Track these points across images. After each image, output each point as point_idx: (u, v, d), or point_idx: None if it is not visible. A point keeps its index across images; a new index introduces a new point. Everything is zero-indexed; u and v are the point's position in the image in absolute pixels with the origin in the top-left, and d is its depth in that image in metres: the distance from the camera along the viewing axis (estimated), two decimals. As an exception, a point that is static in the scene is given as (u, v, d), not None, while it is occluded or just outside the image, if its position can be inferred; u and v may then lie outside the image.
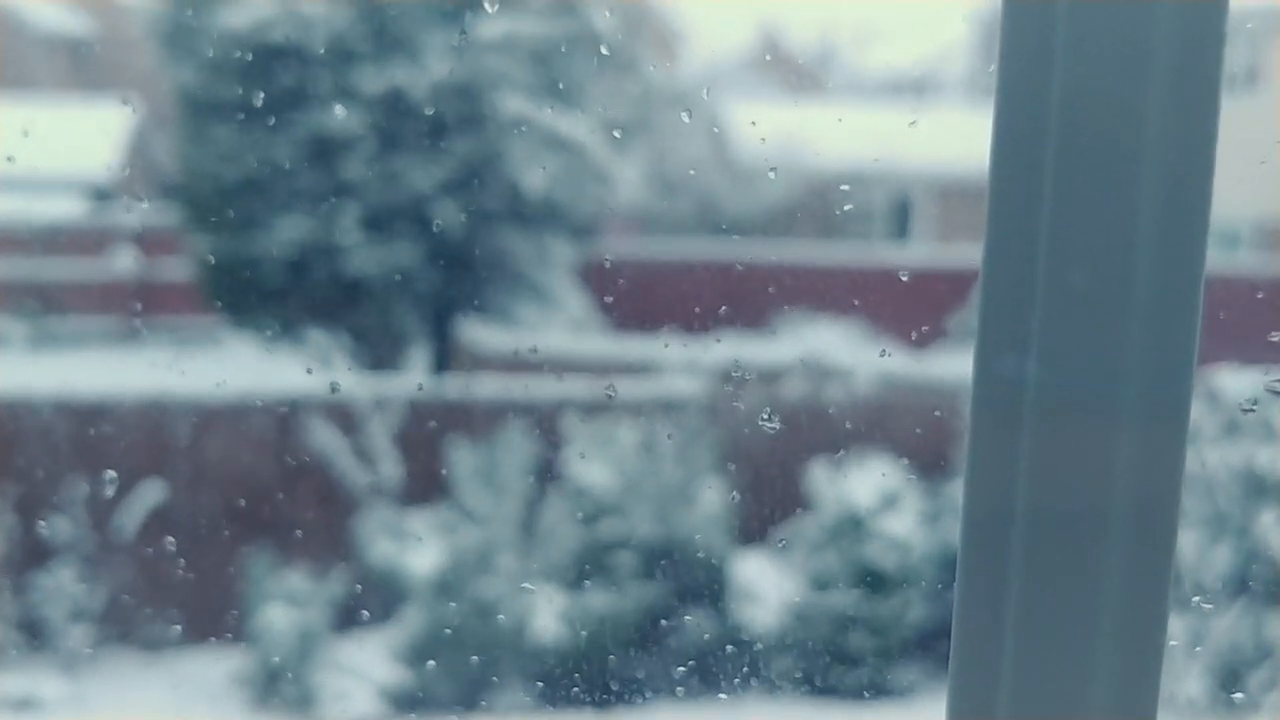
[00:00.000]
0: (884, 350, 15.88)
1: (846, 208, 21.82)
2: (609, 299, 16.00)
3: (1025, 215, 0.82)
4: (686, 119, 22.17)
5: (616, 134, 13.90)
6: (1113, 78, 0.79)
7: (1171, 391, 0.82)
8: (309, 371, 12.63)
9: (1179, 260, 0.81)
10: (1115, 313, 0.81)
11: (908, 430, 9.83)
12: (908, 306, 17.86)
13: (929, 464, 9.43)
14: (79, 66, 38.31)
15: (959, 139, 23.24)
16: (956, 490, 9.07)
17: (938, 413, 9.75)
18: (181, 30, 12.36)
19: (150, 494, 8.71)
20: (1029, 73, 0.82)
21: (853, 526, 8.47)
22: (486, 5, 12.22)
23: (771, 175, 21.37)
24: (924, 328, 16.72)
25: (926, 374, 11.20)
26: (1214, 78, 0.79)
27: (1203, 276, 0.82)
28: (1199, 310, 0.82)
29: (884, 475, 8.70)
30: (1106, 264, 0.81)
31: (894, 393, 9.99)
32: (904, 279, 17.06)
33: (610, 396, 9.28)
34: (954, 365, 13.04)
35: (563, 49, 12.37)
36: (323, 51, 11.58)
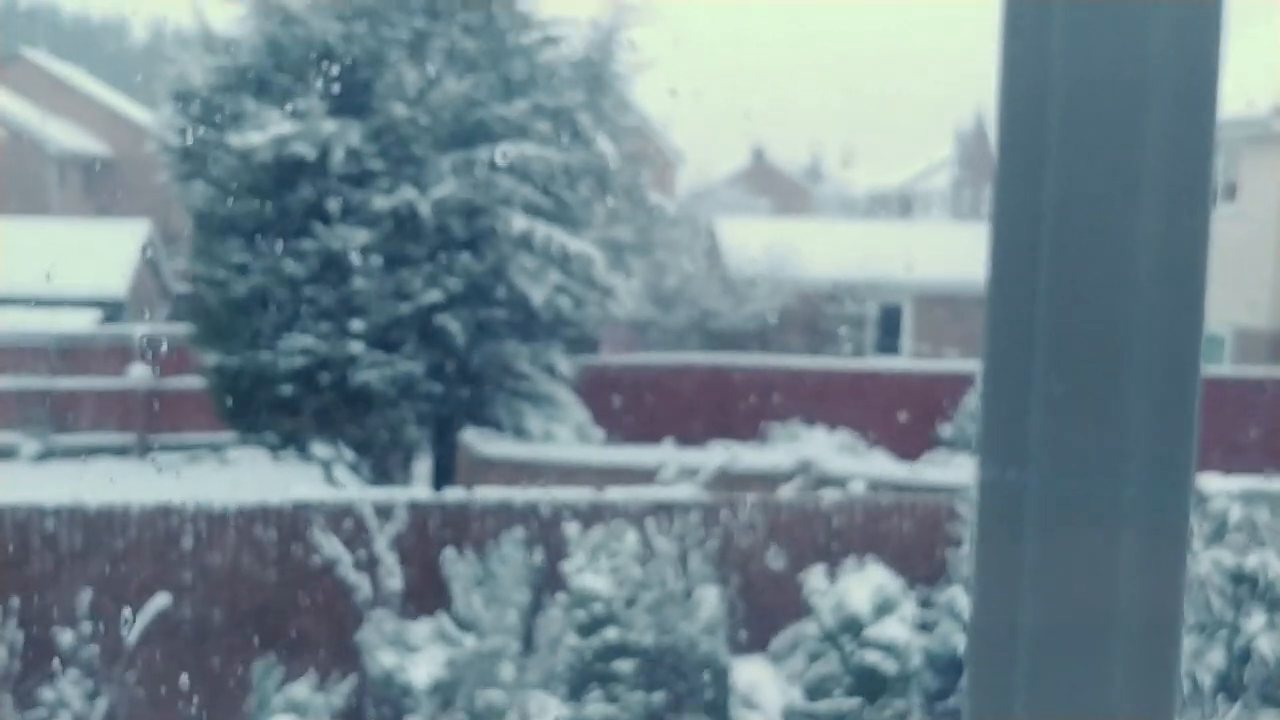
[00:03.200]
0: (872, 442, 16.06)
1: (838, 320, 22.20)
2: (608, 407, 16.23)
3: (1022, 325, 0.82)
4: (684, 235, 22.72)
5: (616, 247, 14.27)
6: (1104, 197, 0.81)
7: (1171, 497, 0.81)
8: (328, 481, 12.77)
9: (1175, 367, 0.81)
10: (1114, 420, 0.81)
11: (901, 535, 9.96)
12: (898, 412, 18.06)
13: (924, 569, 9.55)
14: (95, 185, 39.09)
15: (944, 250, 23.80)
16: (952, 595, 9.18)
17: (931, 517, 9.90)
18: (196, 148, 12.77)
19: (156, 603, 8.81)
20: (1023, 192, 0.83)
21: (850, 631, 8.56)
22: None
23: (763, 287, 21.81)
24: (914, 433, 16.95)
25: (918, 479, 11.37)
26: (1204, 204, 0.81)
27: (1199, 383, 0.82)
28: (1196, 416, 0.81)
29: (880, 582, 8.81)
30: (1102, 371, 0.81)
31: (887, 497, 10.15)
32: (893, 386, 17.36)
33: (609, 503, 9.43)
34: (946, 470, 13.21)
35: (568, 171, 12.82)
36: (336, 169, 11.95)
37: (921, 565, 9.61)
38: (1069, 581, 0.82)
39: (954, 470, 12.72)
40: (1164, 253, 0.81)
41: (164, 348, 17.90)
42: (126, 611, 8.59)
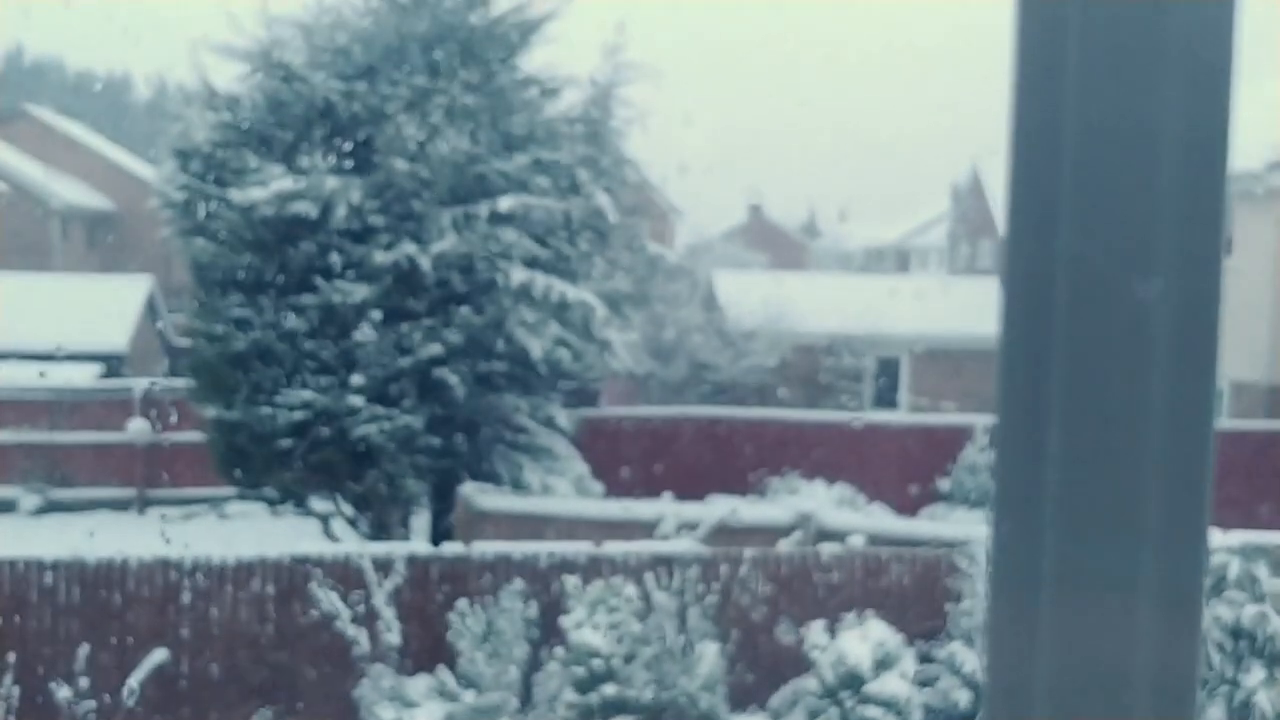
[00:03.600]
0: (868, 501, 16.04)
1: (836, 373, 22.27)
2: (608, 459, 16.23)
3: (1035, 383, 0.82)
4: (682, 288, 22.87)
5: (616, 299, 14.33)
6: (1116, 254, 0.81)
7: (1185, 558, 0.81)
8: (326, 536, 12.72)
9: (1189, 426, 0.80)
10: (1128, 479, 0.81)
11: (902, 590, 9.94)
12: (896, 466, 18.03)
13: (924, 624, 9.52)
14: (97, 239, 39.36)
15: (941, 304, 23.94)
16: (952, 650, 9.15)
17: (931, 572, 9.88)
18: (198, 204, 12.87)
19: (154, 658, 8.77)
20: (1035, 250, 0.83)
21: (850, 687, 8.52)
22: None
23: (761, 340, 21.90)
24: (913, 487, 16.94)
25: (918, 533, 11.35)
26: (1216, 262, 0.81)
27: (1213, 443, 0.81)
28: (1210, 476, 0.81)
29: (880, 637, 8.78)
30: (1117, 430, 0.80)
31: (887, 552, 10.14)
32: (891, 438, 17.38)
33: (608, 557, 9.41)
34: (945, 524, 13.20)
35: (567, 224, 12.93)
36: (337, 224, 12.04)
37: (922, 620, 9.58)
38: (1084, 641, 0.82)
39: (953, 524, 12.71)
40: (1177, 310, 0.80)
41: (164, 402, 17.94)
42: (131, 682, 8.53)
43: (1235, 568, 9.25)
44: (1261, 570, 9.15)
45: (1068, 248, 0.81)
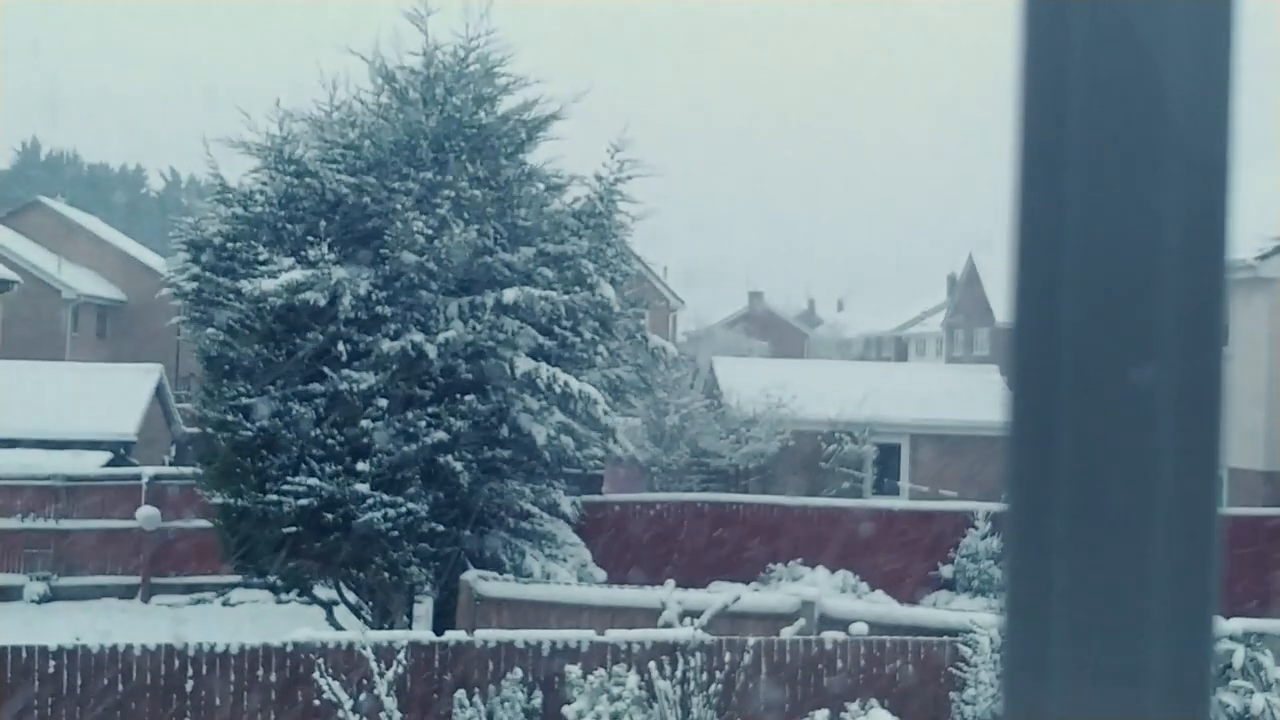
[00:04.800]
0: (873, 590, 15.96)
1: (836, 460, 22.32)
2: (610, 545, 16.22)
3: (1042, 474, 0.81)
4: (684, 375, 23.06)
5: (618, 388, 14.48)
6: (1119, 343, 0.81)
7: (1193, 652, 0.81)
8: (330, 623, 12.67)
9: (1195, 519, 0.80)
10: (1136, 573, 0.80)
11: (905, 678, 9.89)
12: (899, 552, 17.98)
13: (926, 712, 9.47)
14: (108, 328, 39.74)
15: (940, 391, 24.09)
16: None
17: (933, 660, 9.86)
18: (208, 294, 13.08)
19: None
20: (1039, 344, 0.83)
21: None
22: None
23: (762, 426, 22.00)
24: (914, 573, 16.90)
25: (920, 620, 11.32)
26: (1217, 350, 0.81)
27: (1220, 536, 0.81)
28: (1217, 570, 0.81)
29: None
30: (1124, 523, 0.80)
31: (889, 639, 10.12)
32: (893, 525, 17.38)
33: (610, 644, 9.40)
34: (947, 611, 13.14)
35: (571, 314, 13.12)
36: (345, 314, 12.21)
37: (925, 708, 9.54)
38: None
39: (956, 612, 12.68)
40: (1180, 396, 0.80)
41: (170, 490, 17.99)
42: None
43: (1240, 655, 9.24)
44: (1267, 658, 9.13)
45: (1071, 336, 0.81)
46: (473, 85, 13.10)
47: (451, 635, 9.97)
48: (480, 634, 9.92)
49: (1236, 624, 9.75)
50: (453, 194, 12.55)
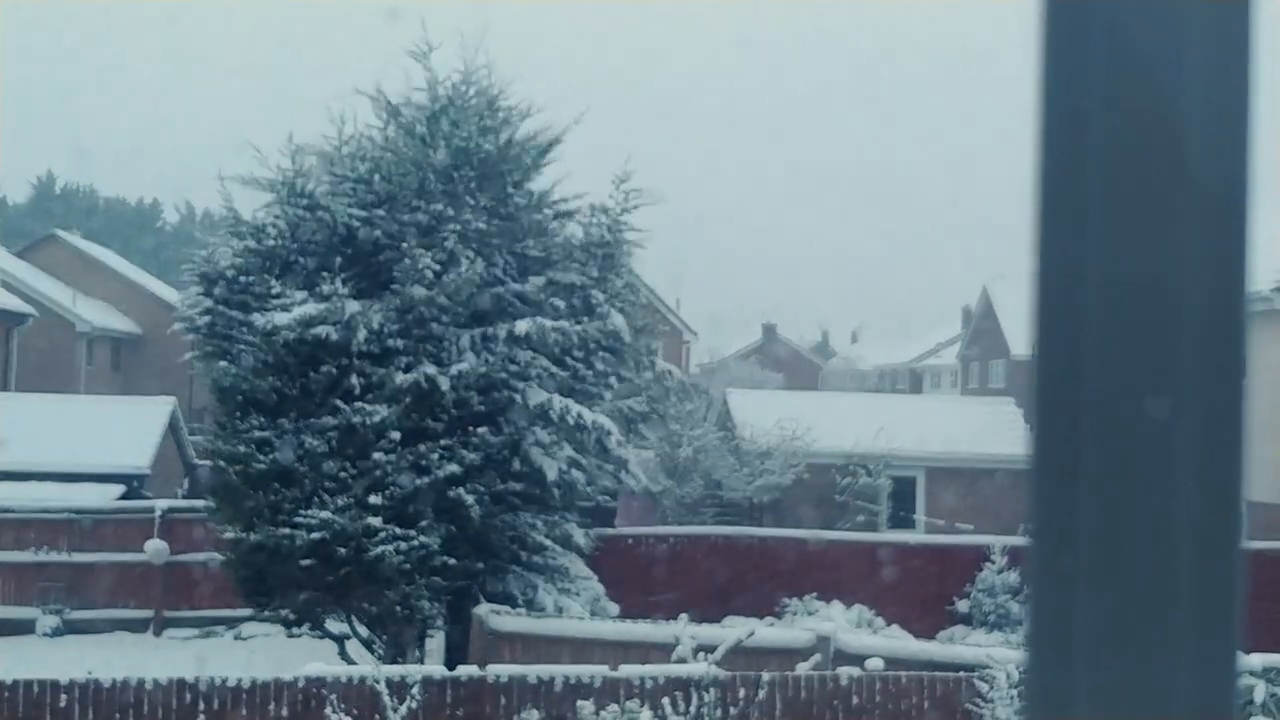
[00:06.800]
0: (886, 625, 15.84)
1: (851, 493, 22.20)
2: (623, 578, 16.12)
3: (1063, 509, 0.81)
4: (697, 407, 23.00)
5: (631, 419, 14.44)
6: (1139, 378, 0.81)
7: (1217, 681, 0.81)
8: (342, 657, 12.61)
9: (1218, 545, 0.80)
10: (1159, 608, 0.80)
11: (921, 714, 9.79)
12: (914, 586, 17.84)
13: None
14: (122, 361, 39.95)
15: (956, 424, 23.97)
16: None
17: (950, 696, 9.75)
18: (221, 327, 13.13)
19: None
20: (1061, 380, 0.83)
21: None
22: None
23: (776, 459, 21.90)
24: (930, 607, 16.76)
25: (937, 656, 11.21)
26: (1238, 384, 0.82)
27: (1242, 561, 0.81)
28: (1240, 597, 0.81)
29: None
30: (1147, 557, 0.80)
31: (905, 675, 10.02)
32: (908, 559, 17.25)
33: (624, 679, 9.33)
34: (964, 647, 13.01)
35: (583, 345, 13.13)
36: (358, 347, 12.24)
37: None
38: None
39: (972, 647, 12.55)
40: (1202, 430, 0.81)
41: (184, 523, 17.99)
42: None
43: (1261, 690, 9.12)
44: None
45: (1092, 369, 0.81)
46: (476, 117, 13.19)
47: (464, 670, 9.91)
48: (493, 669, 9.87)
49: (1257, 659, 9.63)
50: (462, 226, 12.60)
